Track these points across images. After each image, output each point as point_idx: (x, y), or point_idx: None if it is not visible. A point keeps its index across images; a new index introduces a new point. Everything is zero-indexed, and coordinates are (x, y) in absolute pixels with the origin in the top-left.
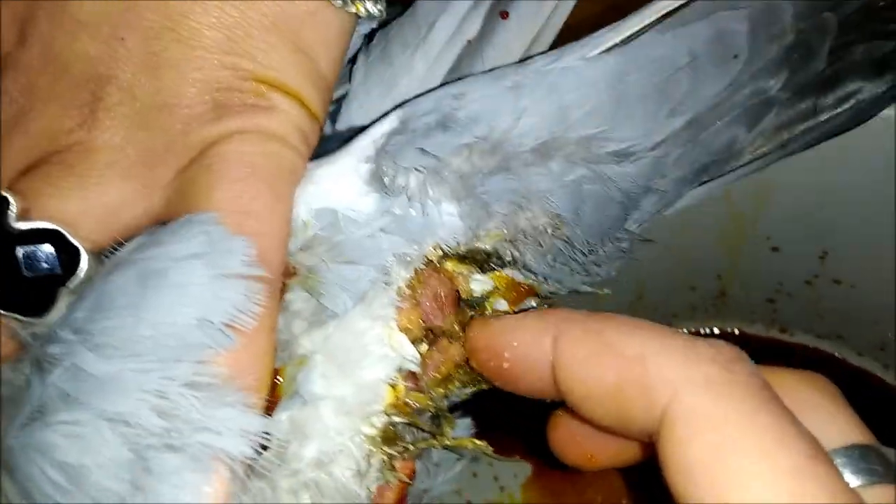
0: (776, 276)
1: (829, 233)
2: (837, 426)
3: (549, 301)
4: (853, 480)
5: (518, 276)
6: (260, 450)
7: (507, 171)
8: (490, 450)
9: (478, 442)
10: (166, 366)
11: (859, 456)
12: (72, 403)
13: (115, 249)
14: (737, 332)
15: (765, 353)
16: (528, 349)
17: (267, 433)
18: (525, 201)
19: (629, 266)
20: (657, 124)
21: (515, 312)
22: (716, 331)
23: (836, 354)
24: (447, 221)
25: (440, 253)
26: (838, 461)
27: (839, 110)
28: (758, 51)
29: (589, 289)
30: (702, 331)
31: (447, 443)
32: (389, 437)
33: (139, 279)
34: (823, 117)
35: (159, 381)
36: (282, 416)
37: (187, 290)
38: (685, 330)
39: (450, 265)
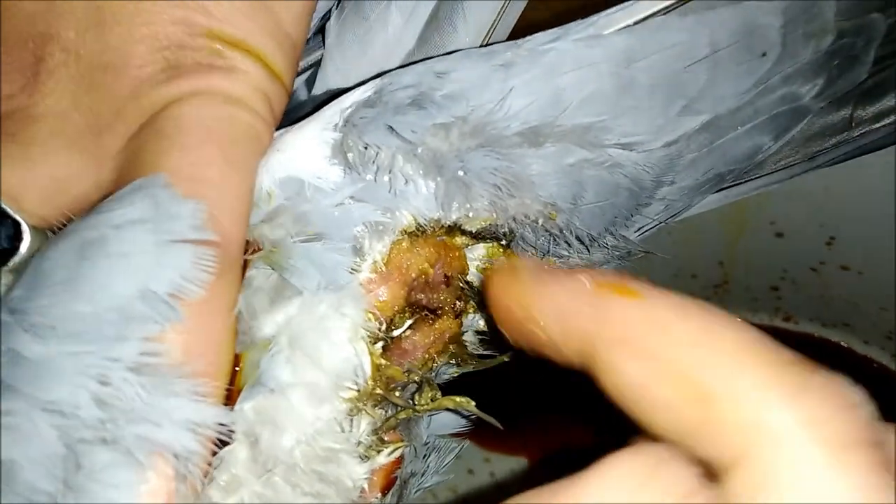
0: (781, 262)
1: (836, 217)
2: None
3: None
4: None
5: None
6: (216, 445)
7: (490, 149)
8: (472, 404)
9: (458, 399)
10: (108, 345)
11: None
12: (6, 391)
13: (64, 226)
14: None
15: None
16: (563, 329)
17: (223, 425)
18: (511, 185)
19: None
20: (667, 121)
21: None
22: None
23: (843, 343)
24: (422, 194)
25: (417, 224)
26: None
27: (877, 126)
28: (790, 51)
29: None
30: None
31: (426, 406)
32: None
33: (77, 250)
34: (858, 132)
35: (101, 362)
36: (244, 405)
37: (128, 259)
38: None
39: (444, 237)
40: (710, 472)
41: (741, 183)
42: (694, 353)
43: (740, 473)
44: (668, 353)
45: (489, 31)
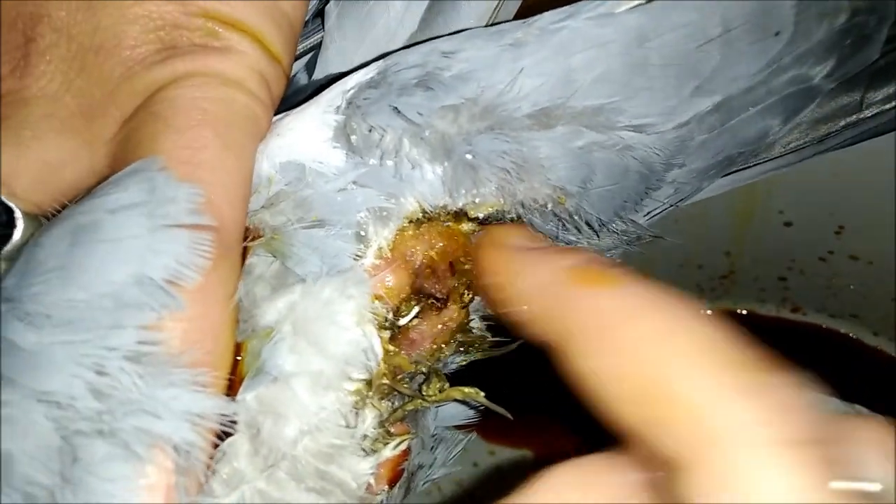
0: (789, 252)
1: (845, 206)
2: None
3: None
4: None
5: None
6: (217, 436)
7: (499, 132)
8: (481, 395)
9: (466, 389)
10: (104, 333)
11: None
12: (2, 382)
13: (59, 212)
14: (745, 312)
15: (776, 334)
16: (542, 308)
17: (224, 415)
18: (520, 169)
19: None
20: (680, 102)
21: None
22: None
23: (851, 335)
24: (429, 179)
25: (422, 210)
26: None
27: (887, 107)
28: (804, 30)
29: None
30: (709, 312)
31: (434, 397)
32: (378, 387)
33: (71, 236)
34: (869, 114)
35: (98, 351)
36: (246, 395)
37: (122, 245)
38: None
39: (450, 223)
40: (667, 467)
41: (751, 166)
42: (656, 350)
43: (695, 472)
44: (632, 347)
45: (494, 11)
